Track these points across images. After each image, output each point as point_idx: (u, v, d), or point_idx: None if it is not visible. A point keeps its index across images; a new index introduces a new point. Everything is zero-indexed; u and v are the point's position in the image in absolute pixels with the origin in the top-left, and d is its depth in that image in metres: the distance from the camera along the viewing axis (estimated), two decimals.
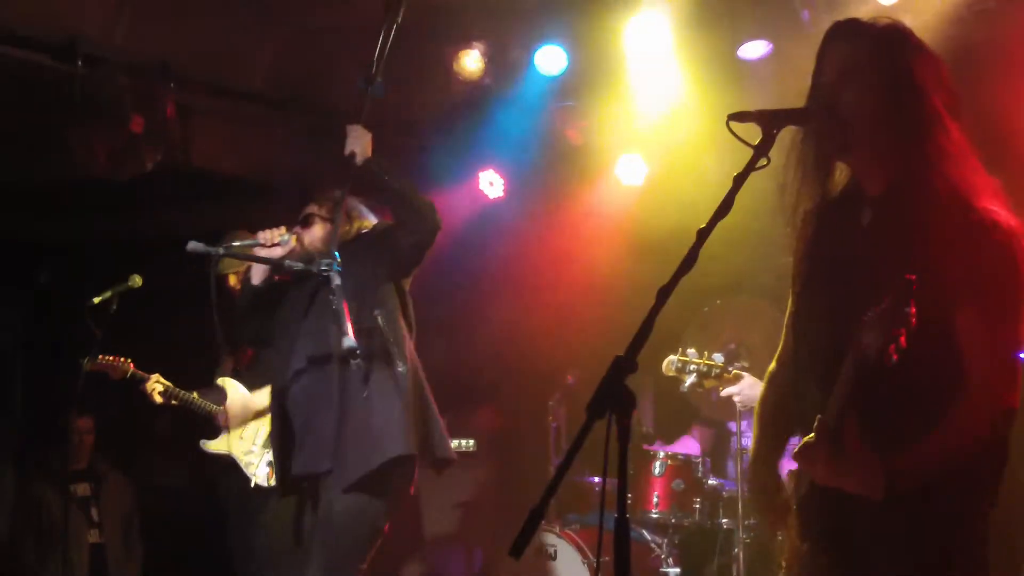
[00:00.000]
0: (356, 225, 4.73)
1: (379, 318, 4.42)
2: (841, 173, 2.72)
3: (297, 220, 4.69)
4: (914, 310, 2.28)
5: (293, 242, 4.51)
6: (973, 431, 2.46)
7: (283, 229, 4.48)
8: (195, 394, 5.83)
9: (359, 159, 4.46)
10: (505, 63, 6.41)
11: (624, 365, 2.17)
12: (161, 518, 6.87)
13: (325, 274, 4.19)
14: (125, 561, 6.75)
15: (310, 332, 4.46)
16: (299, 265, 4.36)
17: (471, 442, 7.57)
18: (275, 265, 4.45)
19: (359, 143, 4.51)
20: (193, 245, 4.24)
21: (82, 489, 6.66)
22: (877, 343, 2.31)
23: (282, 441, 4.49)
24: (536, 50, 6.32)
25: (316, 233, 4.67)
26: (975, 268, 2.44)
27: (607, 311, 6.47)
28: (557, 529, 5.92)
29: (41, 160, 6.50)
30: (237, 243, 4.63)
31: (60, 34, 5.63)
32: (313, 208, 4.71)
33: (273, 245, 4.44)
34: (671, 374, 4.81)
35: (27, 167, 6.67)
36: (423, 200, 4.52)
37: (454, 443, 7.56)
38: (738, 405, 4.74)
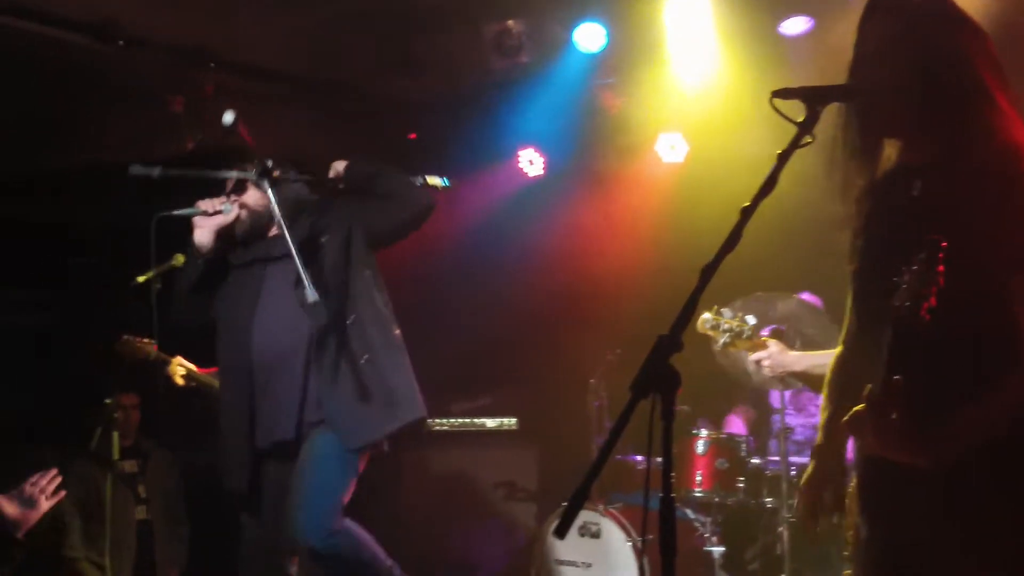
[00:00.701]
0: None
1: (369, 277, 4.37)
2: (890, 147, 2.69)
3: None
4: (942, 268, 2.25)
5: (235, 210, 4.42)
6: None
7: (224, 198, 4.40)
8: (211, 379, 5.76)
9: (341, 175, 4.45)
10: (544, 40, 6.38)
11: (668, 344, 2.16)
12: (207, 495, 6.92)
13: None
14: (171, 538, 6.81)
15: (275, 300, 4.31)
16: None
17: (513, 420, 7.59)
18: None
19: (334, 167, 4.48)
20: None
21: (129, 466, 6.71)
22: (908, 303, 2.30)
23: (248, 415, 4.30)
24: (575, 27, 6.29)
25: (254, 195, 4.49)
26: None
27: (649, 289, 6.45)
28: (600, 508, 5.91)
29: (81, 141, 6.56)
30: (178, 211, 4.47)
31: (100, 16, 5.67)
32: (236, 173, 4.48)
33: (215, 212, 4.36)
34: (705, 332, 4.78)
35: (67, 148, 6.73)
36: (412, 187, 4.46)
37: (496, 421, 7.65)
38: (766, 371, 4.69)
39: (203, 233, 4.40)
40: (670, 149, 6.80)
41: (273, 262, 4.35)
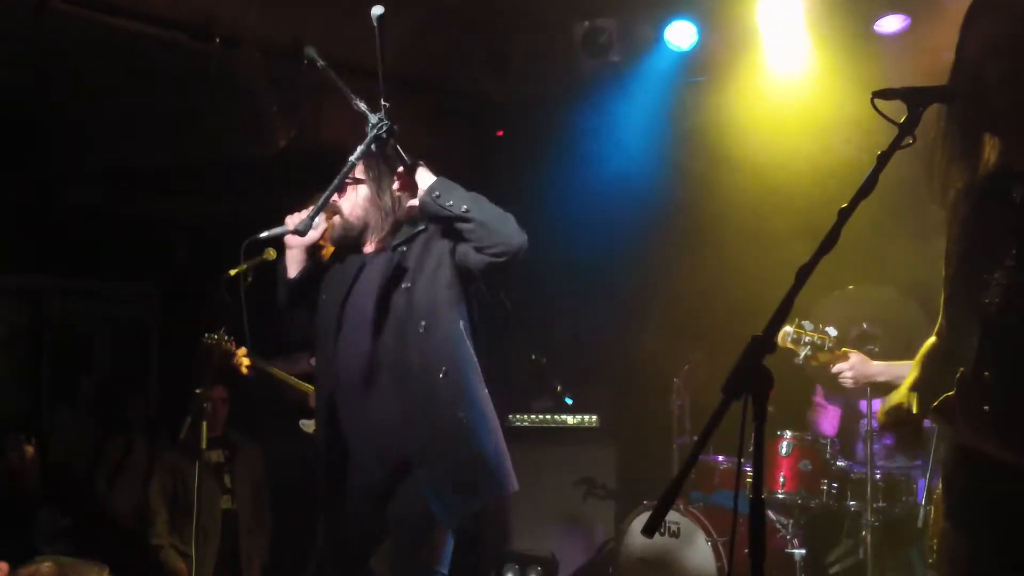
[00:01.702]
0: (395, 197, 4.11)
1: (464, 329, 3.98)
2: (990, 150, 2.65)
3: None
4: None
5: (325, 221, 4.07)
6: None
7: (311, 209, 3.84)
8: (287, 376, 5.77)
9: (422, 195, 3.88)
10: (634, 39, 6.37)
11: (762, 345, 2.15)
12: (292, 487, 7.01)
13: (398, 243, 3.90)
14: (256, 528, 6.90)
15: (379, 323, 3.97)
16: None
17: (594, 418, 7.60)
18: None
19: (421, 183, 3.92)
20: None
21: (216, 456, 6.81)
22: (998, 300, 2.27)
23: (333, 443, 4.05)
24: (666, 25, 6.27)
25: (352, 199, 4.13)
26: None
27: (734, 290, 6.41)
28: (681, 507, 5.90)
29: (178, 138, 6.69)
30: (265, 233, 4.06)
31: (197, 14, 5.78)
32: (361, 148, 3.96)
33: (302, 231, 3.89)
34: (786, 346, 4.75)
35: (165, 145, 6.86)
36: (502, 218, 3.87)
37: (577, 418, 7.65)
38: (848, 383, 4.66)
39: (293, 255, 4.20)
40: (763, 149, 6.71)
41: (360, 289, 4.06)
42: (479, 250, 3.85)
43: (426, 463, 3.88)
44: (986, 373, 2.34)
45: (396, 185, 4.02)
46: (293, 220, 4.03)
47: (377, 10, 3.79)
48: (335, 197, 4.03)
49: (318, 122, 5.92)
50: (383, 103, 3.82)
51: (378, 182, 4.10)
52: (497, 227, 3.84)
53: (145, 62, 5.93)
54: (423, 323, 3.91)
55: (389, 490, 3.98)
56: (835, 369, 4.54)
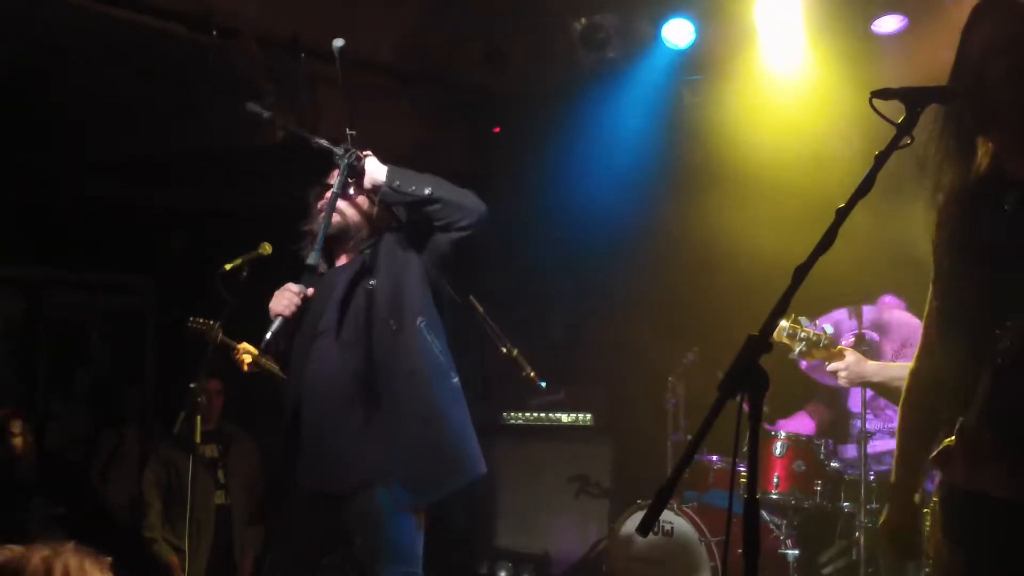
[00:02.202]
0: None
1: (423, 327, 4.03)
2: (983, 155, 2.64)
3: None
4: None
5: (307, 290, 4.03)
6: None
7: (292, 287, 3.97)
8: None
9: (380, 186, 4.01)
10: (632, 36, 6.37)
11: (758, 344, 2.14)
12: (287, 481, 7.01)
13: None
14: (250, 523, 6.90)
15: (340, 328, 4.06)
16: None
17: (588, 416, 7.60)
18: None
19: (371, 174, 4.04)
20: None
21: (210, 451, 6.81)
22: (1009, 345, 2.27)
23: (292, 447, 4.09)
24: (664, 23, 6.26)
25: (354, 206, 4.20)
26: None
27: (729, 289, 6.41)
28: (675, 507, 5.90)
29: (175, 130, 6.68)
30: (268, 335, 3.91)
31: (196, 6, 5.77)
32: (326, 143, 4.14)
33: (296, 308, 3.96)
34: (781, 340, 4.76)
35: (162, 137, 6.86)
36: (460, 192, 4.02)
37: (572, 416, 7.66)
38: (842, 381, 4.67)
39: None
40: (760, 147, 6.71)
41: (347, 296, 4.11)
42: (446, 228, 4.00)
43: (389, 460, 3.93)
44: (995, 410, 2.33)
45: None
46: (281, 308, 3.96)
47: (338, 42, 3.99)
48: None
49: (316, 114, 5.91)
50: (349, 132, 4.01)
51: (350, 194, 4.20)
52: (460, 201, 4.00)
53: (143, 53, 5.92)
54: (392, 322, 3.99)
55: (352, 492, 3.99)
56: (830, 368, 4.54)
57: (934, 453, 2.52)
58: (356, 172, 4.03)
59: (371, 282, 4.06)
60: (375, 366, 3.98)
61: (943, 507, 2.65)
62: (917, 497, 2.82)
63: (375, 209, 4.19)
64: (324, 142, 4.05)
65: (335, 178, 4.06)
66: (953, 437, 2.43)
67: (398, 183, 3.99)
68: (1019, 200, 2.54)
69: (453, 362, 4.12)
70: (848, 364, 4.48)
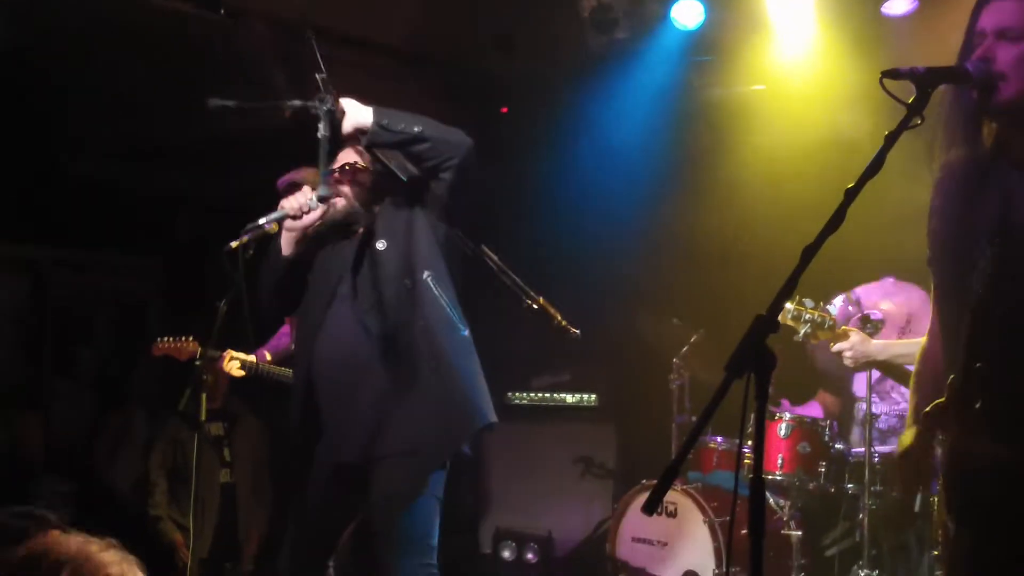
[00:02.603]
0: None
1: (430, 280, 4.02)
2: (988, 135, 2.65)
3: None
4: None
5: (320, 206, 4.08)
6: None
7: (309, 192, 4.06)
8: (278, 369, 5.76)
9: (366, 129, 3.92)
10: (641, 17, 6.35)
11: (766, 324, 2.15)
12: (292, 460, 7.02)
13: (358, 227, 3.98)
14: (254, 502, 6.91)
15: (355, 295, 4.06)
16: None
17: (593, 396, 7.61)
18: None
19: (354, 116, 3.93)
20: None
21: (215, 428, 6.82)
22: (980, 289, 2.29)
23: (308, 426, 4.11)
24: (673, 3, 6.25)
25: (357, 185, 4.21)
26: None
27: (735, 271, 6.41)
28: (679, 487, 5.91)
29: (184, 113, 6.67)
30: (262, 220, 4.18)
31: None
32: (351, 154, 4.20)
33: (302, 214, 4.07)
34: (787, 323, 4.77)
35: (169, 121, 6.85)
36: (446, 129, 3.96)
37: (576, 397, 7.67)
38: (848, 361, 4.68)
39: (289, 236, 4.18)
40: (767, 128, 6.71)
41: (356, 263, 4.12)
42: (436, 169, 3.95)
43: (406, 420, 3.93)
44: (978, 364, 2.34)
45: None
46: (290, 203, 4.09)
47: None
48: (341, 179, 4.15)
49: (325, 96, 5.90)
50: (318, 77, 3.91)
51: (376, 165, 4.18)
52: (447, 137, 3.95)
53: (150, 33, 5.91)
54: (407, 281, 3.99)
55: (369, 467, 3.99)
56: (835, 348, 4.55)
57: (928, 409, 2.54)
58: (336, 116, 3.89)
59: (379, 245, 4.04)
60: (392, 327, 3.98)
61: (944, 483, 2.66)
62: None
63: (368, 183, 4.18)
64: (296, 101, 3.94)
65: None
66: (945, 396, 2.46)
67: (387, 121, 3.90)
68: (1020, 180, 2.55)
69: (463, 315, 4.10)
70: (853, 344, 4.49)
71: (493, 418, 4.11)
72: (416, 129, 3.90)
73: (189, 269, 7.81)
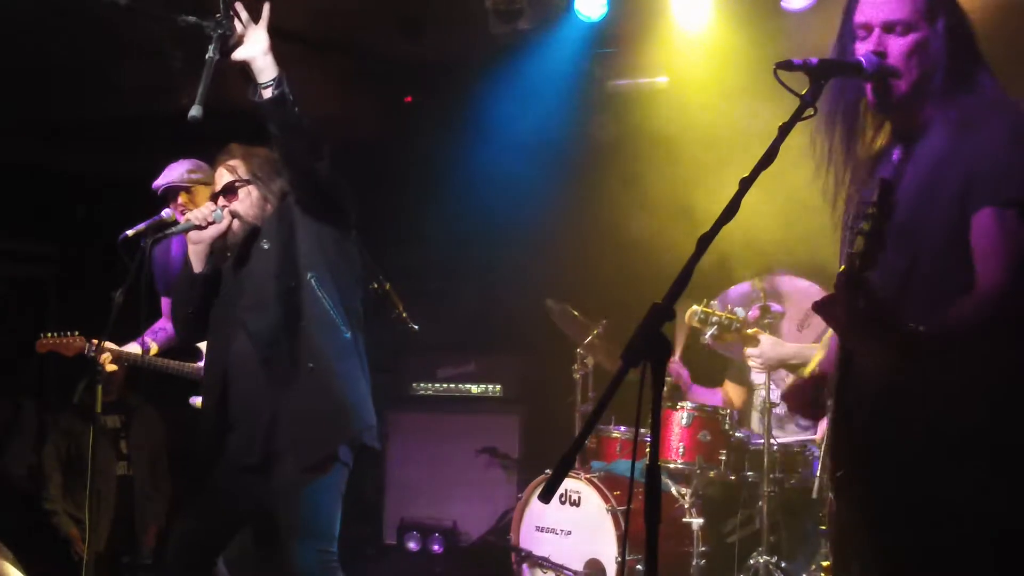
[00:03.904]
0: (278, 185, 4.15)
1: (313, 281, 4.00)
2: (879, 125, 2.73)
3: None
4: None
5: (227, 216, 4.06)
6: (983, 315, 2.48)
7: (213, 205, 4.06)
8: (160, 359, 5.67)
9: (267, 82, 3.75)
10: (545, 7, 6.36)
11: (661, 312, 2.17)
12: (190, 453, 6.92)
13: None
14: (152, 495, 6.82)
15: (241, 295, 4.09)
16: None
17: (498, 387, 7.62)
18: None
19: (252, 49, 3.76)
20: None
21: (112, 421, 6.71)
22: (860, 247, 2.36)
23: (215, 426, 4.10)
24: None
25: (247, 201, 4.13)
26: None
27: (637, 260, 6.46)
28: (581, 476, 5.93)
29: (83, 95, 6.53)
30: (171, 230, 4.34)
31: None
32: (226, 174, 4.14)
33: (208, 224, 4.03)
34: (694, 325, 4.82)
35: (70, 102, 6.69)
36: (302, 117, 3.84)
37: (481, 387, 7.67)
38: (758, 366, 4.75)
39: (199, 250, 4.11)
40: (669, 123, 6.78)
41: (241, 263, 4.12)
42: (300, 166, 3.88)
43: (289, 419, 3.95)
44: (865, 273, 2.40)
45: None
46: (196, 217, 4.06)
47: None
48: (227, 202, 4.09)
49: (223, 80, 5.80)
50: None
51: (267, 182, 4.13)
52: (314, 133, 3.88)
53: (49, 14, 5.77)
54: (291, 281, 3.99)
55: (265, 463, 4.00)
56: (747, 353, 4.61)
57: (818, 300, 2.60)
58: (228, 42, 3.75)
59: (263, 244, 4.04)
60: (277, 326, 3.99)
61: (826, 456, 2.73)
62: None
63: (257, 194, 4.12)
64: (191, 18, 3.80)
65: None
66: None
67: (293, 98, 3.76)
68: (907, 148, 2.64)
69: (347, 317, 4.08)
70: (763, 351, 4.55)
71: (371, 421, 4.11)
72: (305, 123, 3.82)
73: (87, 254, 7.64)
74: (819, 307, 2.51)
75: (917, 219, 2.52)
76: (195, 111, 3.62)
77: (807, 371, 2.87)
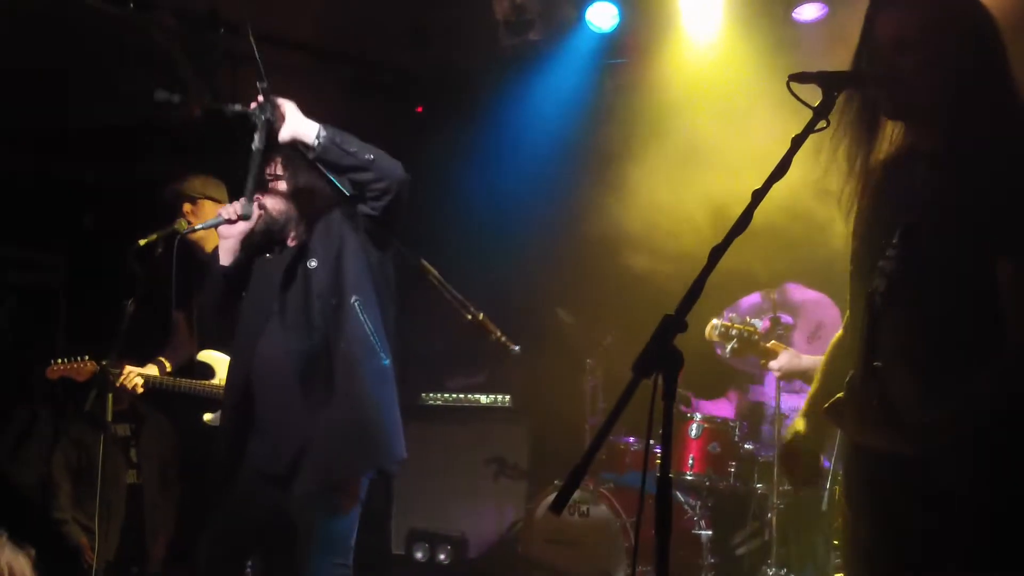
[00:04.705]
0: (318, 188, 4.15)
1: (357, 305, 3.99)
2: (897, 136, 2.69)
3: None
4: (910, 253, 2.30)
5: (257, 212, 4.05)
6: (1010, 386, 2.38)
7: (243, 200, 3.96)
8: (181, 381, 5.65)
9: (309, 143, 3.84)
10: (555, 18, 6.37)
11: (673, 324, 2.16)
12: (200, 461, 6.92)
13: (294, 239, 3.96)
14: (162, 503, 6.80)
15: (283, 310, 4.05)
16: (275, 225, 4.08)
17: (507, 398, 7.60)
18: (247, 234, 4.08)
19: (295, 127, 3.85)
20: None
21: (122, 430, 6.69)
22: (883, 285, 2.32)
23: (237, 430, 4.10)
24: (588, 6, 6.28)
25: (274, 194, 4.13)
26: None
27: (649, 272, 6.44)
28: (591, 488, 5.93)
29: (91, 104, 6.54)
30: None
31: None
32: (240, 107, 4.01)
33: (237, 219, 4.00)
34: (713, 339, 4.82)
35: (77, 111, 6.71)
36: (385, 156, 3.92)
37: (490, 398, 7.66)
38: (779, 377, 4.76)
39: (228, 244, 4.11)
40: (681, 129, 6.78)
41: (287, 278, 4.09)
42: (376, 198, 3.91)
43: (319, 439, 3.92)
44: (876, 364, 2.38)
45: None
46: (227, 211, 4.06)
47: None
48: (258, 195, 4.08)
49: (233, 89, 5.82)
50: (260, 85, 3.82)
51: (295, 178, 4.13)
52: (390, 169, 3.91)
53: (58, 23, 5.79)
54: (332, 300, 3.98)
55: (289, 475, 3.99)
56: (770, 366, 4.61)
57: (827, 404, 2.57)
58: (274, 125, 3.82)
59: (311, 263, 4.01)
60: (318, 345, 3.97)
61: (844, 476, 2.71)
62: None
63: (301, 191, 4.13)
64: (237, 106, 3.88)
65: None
66: (843, 392, 2.49)
67: (340, 139, 3.84)
68: (926, 173, 2.59)
69: (387, 343, 4.07)
70: (782, 364, 4.57)
71: (402, 454, 4.11)
72: (368, 156, 3.85)
73: (97, 261, 7.65)
74: (829, 412, 2.50)
75: (934, 249, 2.46)
76: (245, 209, 3.86)
77: (796, 430, 2.84)
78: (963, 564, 2.42)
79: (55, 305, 8.48)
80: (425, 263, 4.77)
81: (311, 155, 3.87)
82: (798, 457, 2.88)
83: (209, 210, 5.32)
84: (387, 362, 4.05)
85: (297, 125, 3.83)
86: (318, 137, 3.82)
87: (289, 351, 4.00)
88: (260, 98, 3.80)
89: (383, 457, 4.08)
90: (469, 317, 5.01)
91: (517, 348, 5.01)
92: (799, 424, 2.87)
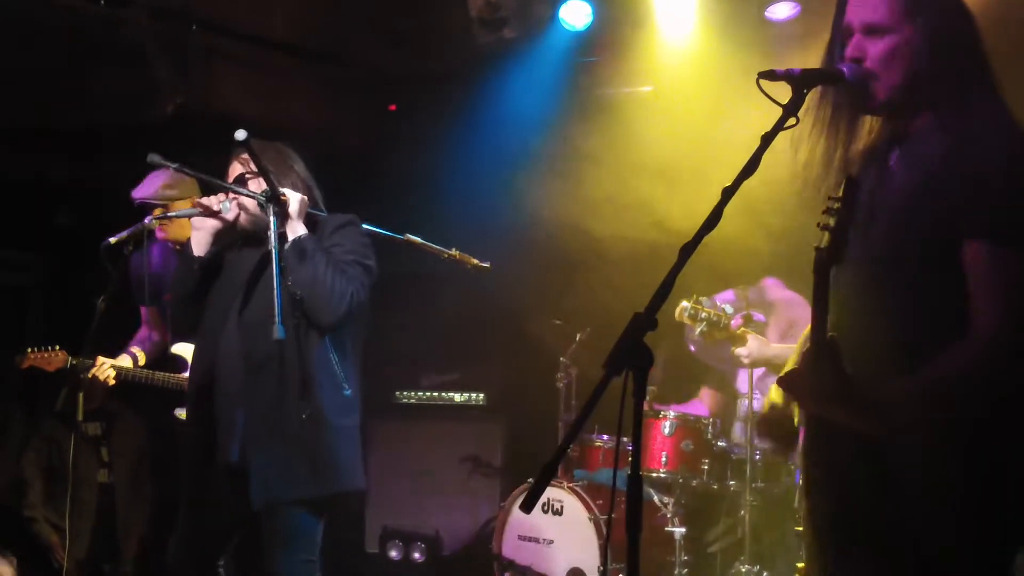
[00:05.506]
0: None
1: (325, 336, 4.01)
2: (870, 129, 2.71)
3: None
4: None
5: (234, 208, 4.05)
6: (978, 370, 2.37)
7: (223, 196, 4.02)
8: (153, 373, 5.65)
9: (290, 238, 3.94)
10: (530, 16, 6.38)
11: (643, 322, 2.18)
12: (172, 458, 6.89)
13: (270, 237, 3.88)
14: (134, 501, 6.76)
15: (244, 309, 4.04)
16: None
17: (481, 396, 7.61)
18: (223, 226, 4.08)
19: (295, 225, 3.97)
20: (153, 158, 3.97)
21: (93, 428, 6.66)
22: (827, 245, 2.35)
23: (203, 426, 4.07)
24: (562, 4, 6.29)
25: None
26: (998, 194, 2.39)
27: (621, 270, 6.46)
28: (564, 485, 5.94)
29: (63, 101, 6.49)
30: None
31: None
32: (238, 166, 4.14)
33: (213, 213, 4.02)
34: (683, 320, 4.84)
35: (49, 108, 6.66)
36: (334, 297, 3.91)
37: (464, 396, 7.66)
38: (747, 363, 4.77)
39: (201, 236, 4.09)
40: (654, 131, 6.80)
41: (258, 275, 4.06)
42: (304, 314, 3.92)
43: (273, 451, 3.90)
44: (830, 335, 2.38)
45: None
46: (205, 203, 4.06)
47: (240, 134, 3.82)
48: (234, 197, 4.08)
49: (208, 87, 5.80)
50: (267, 178, 3.90)
51: (278, 176, 4.06)
52: (323, 307, 3.91)
53: (29, 20, 5.75)
54: (300, 319, 3.95)
55: (248, 476, 3.95)
56: (736, 351, 4.64)
57: (780, 374, 2.58)
58: (284, 215, 3.93)
59: (290, 280, 3.93)
60: (272, 353, 3.90)
61: (801, 450, 2.73)
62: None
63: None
64: (244, 191, 4.00)
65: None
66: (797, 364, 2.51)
67: (309, 253, 3.89)
68: (901, 156, 2.60)
69: (352, 373, 4.06)
70: (751, 350, 4.59)
71: (360, 485, 4.09)
72: (313, 286, 3.87)
73: (69, 262, 7.60)
74: (784, 383, 2.52)
75: (900, 229, 2.47)
76: (223, 206, 3.96)
77: (784, 371, 2.85)
78: (918, 542, 2.42)
79: (28, 304, 8.43)
80: (409, 236, 4.86)
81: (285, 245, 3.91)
82: (774, 422, 2.91)
83: (180, 205, 5.29)
84: (348, 392, 4.03)
85: (295, 225, 3.94)
86: (298, 237, 3.91)
87: (248, 350, 3.97)
88: (269, 194, 3.89)
89: (339, 487, 4.01)
90: (446, 256, 5.18)
91: (488, 264, 5.08)
92: (774, 394, 2.90)
